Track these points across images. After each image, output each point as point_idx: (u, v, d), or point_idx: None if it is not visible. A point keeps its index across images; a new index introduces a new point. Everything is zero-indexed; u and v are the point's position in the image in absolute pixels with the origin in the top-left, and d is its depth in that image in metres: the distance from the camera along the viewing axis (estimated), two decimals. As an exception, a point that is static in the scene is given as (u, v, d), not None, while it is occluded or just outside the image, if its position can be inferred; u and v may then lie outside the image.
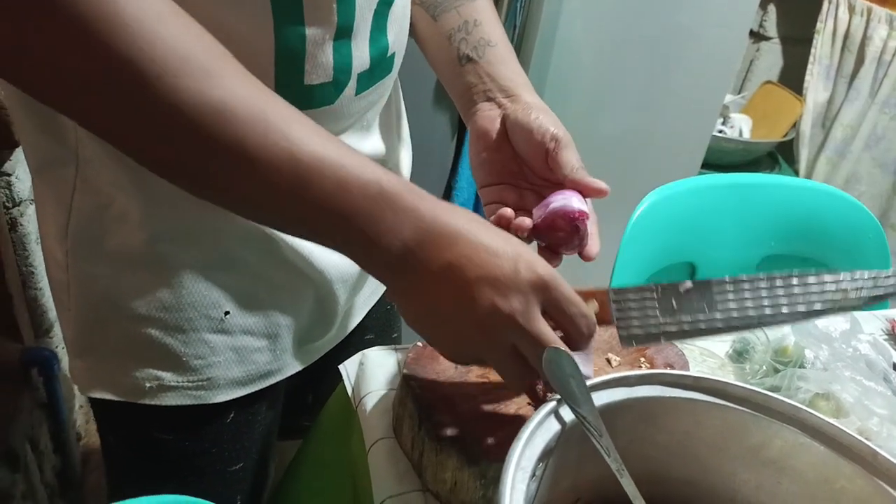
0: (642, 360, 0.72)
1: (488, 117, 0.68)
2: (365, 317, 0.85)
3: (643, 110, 1.79)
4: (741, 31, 1.85)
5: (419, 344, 0.70)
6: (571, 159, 0.64)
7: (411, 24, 0.72)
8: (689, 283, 0.56)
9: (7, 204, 1.14)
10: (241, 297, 0.67)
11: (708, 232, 1.22)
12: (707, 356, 0.84)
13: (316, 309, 0.74)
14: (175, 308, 0.64)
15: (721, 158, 2.24)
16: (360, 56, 0.62)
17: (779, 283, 0.55)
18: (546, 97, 0.76)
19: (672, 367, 0.71)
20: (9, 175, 1.13)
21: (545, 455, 0.47)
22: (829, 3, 2.29)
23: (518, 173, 0.68)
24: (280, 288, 0.69)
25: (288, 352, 0.73)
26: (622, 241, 1.14)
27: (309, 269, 0.69)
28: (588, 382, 0.51)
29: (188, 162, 0.47)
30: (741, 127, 2.41)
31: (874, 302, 0.54)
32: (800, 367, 0.79)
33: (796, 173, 2.41)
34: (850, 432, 0.52)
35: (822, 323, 0.82)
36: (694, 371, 0.77)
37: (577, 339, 0.53)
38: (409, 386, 0.64)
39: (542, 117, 0.65)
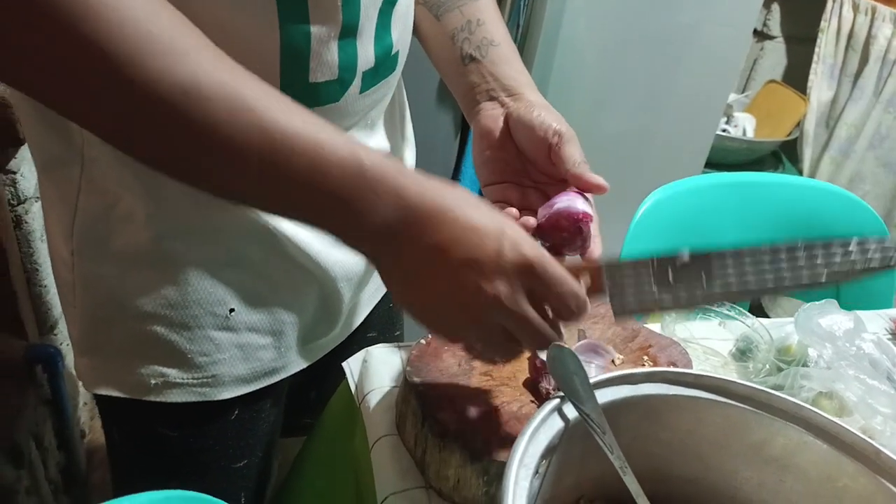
0: (645, 358, 0.72)
1: (491, 116, 0.68)
2: (368, 314, 0.85)
3: (646, 109, 1.79)
4: (745, 29, 1.84)
5: (422, 341, 0.70)
6: (574, 154, 0.63)
7: (415, 24, 0.72)
8: (686, 257, 0.55)
9: (12, 201, 1.15)
10: (246, 295, 0.67)
11: (711, 231, 1.22)
12: (710, 354, 0.84)
13: (320, 307, 0.74)
14: (180, 305, 0.65)
15: (724, 157, 2.24)
16: (365, 54, 0.62)
17: (783, 255, 0.53)
18: (549, 96, 0.76)
19: (675, 365, 0.71)
20: (14, 173, 1.13)
21: (548, 452, 0.48)
22: (833, 1, 2.28)
23: (521, 171, 0.68)
24: (285, 285, 0.69)
25: (292, 349, 0.74)
26: (625, 240, 1.14)
27: (314, 267, 0.69)
28: (591, 380, 0.51)
29: (165, 146, 0.45)
30: (745, 126, 2.40)
31: (878, 271, 0.52)
32: (803, 366, 0.79)
33: (800, 172, 2.40)
34: (854, 430, 0.52)
35: (825, 322, 0.82)
36: (697, 369, 0.77)
37: (566, 317, 0.53)
38: (412, 383, 0.64)
39: (544, 114, 0.65)
